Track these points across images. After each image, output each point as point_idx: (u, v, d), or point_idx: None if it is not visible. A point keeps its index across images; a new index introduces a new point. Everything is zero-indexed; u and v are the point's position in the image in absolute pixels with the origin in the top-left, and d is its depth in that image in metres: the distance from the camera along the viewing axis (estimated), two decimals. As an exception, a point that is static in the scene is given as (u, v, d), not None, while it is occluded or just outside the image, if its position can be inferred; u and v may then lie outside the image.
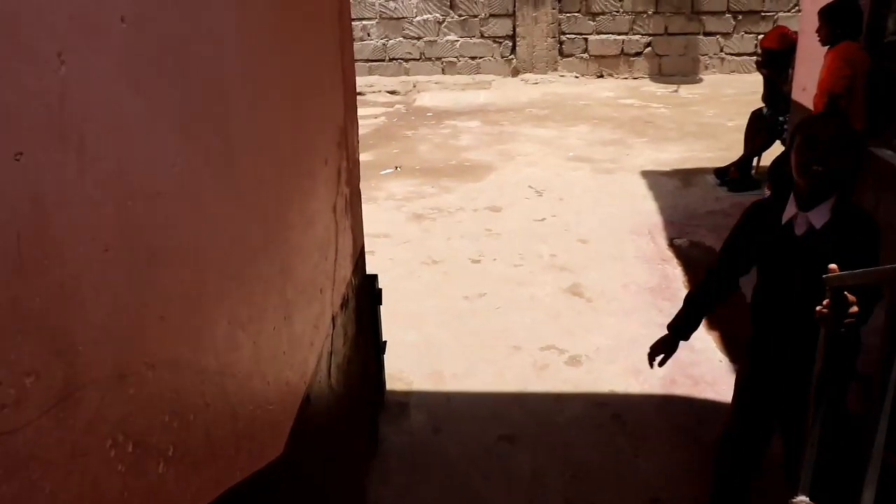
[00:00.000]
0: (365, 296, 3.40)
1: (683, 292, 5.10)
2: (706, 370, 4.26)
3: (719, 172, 7.07)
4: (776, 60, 6.59)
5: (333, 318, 2.68)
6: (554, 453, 3.62)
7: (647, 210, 6.55)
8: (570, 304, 5.01)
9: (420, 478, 3.47)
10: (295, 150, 2.21)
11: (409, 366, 4.33)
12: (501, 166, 7.80)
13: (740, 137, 7.98)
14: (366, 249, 5.93)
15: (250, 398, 1.76)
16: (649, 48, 11.37)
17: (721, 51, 11.32)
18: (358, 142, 3.17)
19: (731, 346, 4.48)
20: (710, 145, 8.30)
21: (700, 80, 11.25)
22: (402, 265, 5.61)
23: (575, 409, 3.94)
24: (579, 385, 4.14)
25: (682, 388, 4.11)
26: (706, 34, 11.25)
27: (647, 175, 7.39)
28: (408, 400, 4.03)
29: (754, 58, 10.27)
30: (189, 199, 1.39)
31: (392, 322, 4.67)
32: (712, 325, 4.72)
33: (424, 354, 4.44)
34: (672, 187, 7.07)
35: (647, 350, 3.16)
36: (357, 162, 3.15)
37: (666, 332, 3.12)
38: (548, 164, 7.82)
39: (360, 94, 10.81)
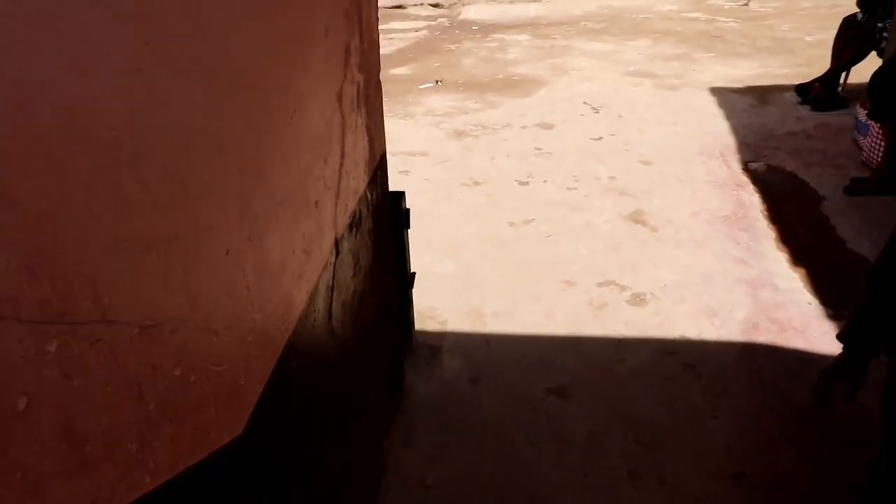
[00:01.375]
0: (386, 216, 2.77)
1: (762, 222, 4.41)
2: (793, 314, 3.58)
3: (801, 89, 6.23)
4: (877, -45, 5.69)
5: (337, 242, 2.05)
6: (614, 411, 3.00)
7: (717, 130, 5.78)
8: (632, 233, 4.32)
9: (452, 439, 2.87)
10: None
11: (443, 302, 3.71)
12: (553, 81, 7.03)
13: (822, 53, 7.10)
14: (400, 169, 5.34)
15: (175, 357, 1.15)
16: (718, -44, 10.35)
17: (799, -41, 10.24)
18: (377, 18, 2.49)
19: (822, 286, 3.78)
20: (788, 61, 7.41)
21: (773, -8, 10.23)
22: (439, 186, 4.95)
23: (639, 358, 3.29)
24: (644, 329, 3.48)
25: (767, 335, 3.43)
26: (782, -60, 10.17)
27: (717, 92, 6.58)
28: (440, 343, 3.42)
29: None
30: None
31: (425, 250, 4.06)
32: (798, 261, 4.01)
33: (461, 289, 3.82)
34: (746, 105, 6.25)
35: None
36: (376, 45, 2.48)
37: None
38: (604, 78, 7.03)
39: (400, 6, 10.07)
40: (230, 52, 1.32)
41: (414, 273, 3.26)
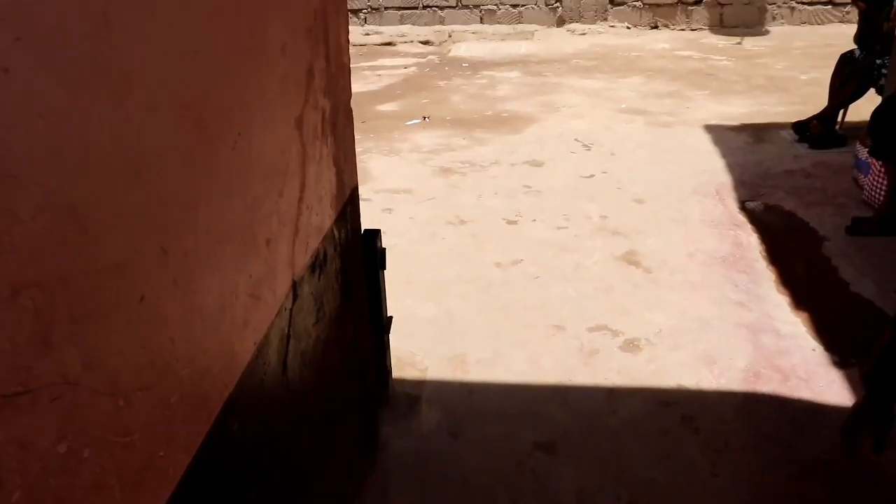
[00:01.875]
0: (359, 256, 2.55)
1: (761, 263, 4.20)
2: (797, 361, 3.36)
3: (798, 127, 6.07)
4: (875, -9, 5.56)
5: (295, 285, 1.83)
6: (605, 468, 2.76)
7: (712, 168, 5.60)
8: (625, 274, 4.11)
9: (430, 498, 2.63)
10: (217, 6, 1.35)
11: (423, 347, 3.48)
12: (544, 118, 6.87)
13: (817, 91, 6.97)
14: (384, 207, 5.13)
15: (59, 430, 0.92)
16: (710, -4, 10.30)
17: (791, -1, 10.20)
18: (348, 42, 2.30)
19: (826, 331, 3.57)
20: (782, 99, 7.28)
21: (766, 32, 10.14)
22: (423, 225, 4.75)
23: (633, 409, 3.06)
24: (638, 377, 3.25)
25: (769, 385, 3.21)
26: (774, -20, 10.14)
27: (712, 129, 6.42)
28: (419, 392, 3.18)
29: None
30: None
31: (406, 292, 3.84)
32: (800, 305, 3.81)
33: (444, 334, 3.59)
34: (741, 143, 6.09)
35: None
36: (345, 69, 2.28)
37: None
38: (596, 116, 6.87)
39: (390, 44, 9.97)
40: (147, 61, 1.11)
41: (391, 317, 3.04)
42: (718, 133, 6.31)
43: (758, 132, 6.32)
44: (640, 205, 4.98)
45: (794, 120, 6.25)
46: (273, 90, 1.66)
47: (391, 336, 3.18)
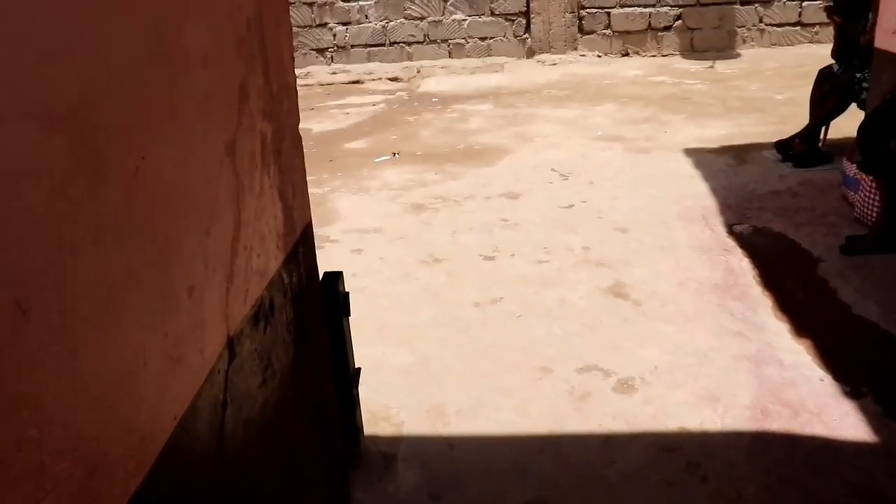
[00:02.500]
0: (317, 303, 2.25)
1: (755, 289, 3.95)
2: (805, 394, 3.08)
3: (781, 146, 5.87)
4: (851, 4, 5.39)
5: (231, 342, 1.53)
6: (606, 528, 2.45)
7: (696, 192, 5.37)
8: (613, 308, 3.83)
9: (408, 574, 2.31)
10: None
11: (398, 399, 3.17)
12: (518, 149, 6.63)
13: (795, 110, 6.82)
14: (353, 248, 4.83)
15: None
16: (679, 21, 10.17)
17: (760, 21, 10.09)
18: (292, 59, 2.02)
19: (832, 359, 3.31)
20: (760, 119, 7.10)
21: (738, 56, 10.03)
22: (395, 265, 4.45)
23: (632, 458, 2.76)
24: (635, 421, 2.96)
25: (779, 422, 2.93)
26: (743, 3, 10.02)
27: (691, 153, 6.20)
28: (395, 450, 2.86)
29: (820, 2, 9.04)
30: None
31: (377, 339, 3.55)
32: (801, 332, 3.55)
33: (420, 383, 3.28)
34: (723, 165, 5.87)
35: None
36: (291, 89, 2.00)
37: None
38: (572, 144, 6.65)
39: (357, 82, 9.77)
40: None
41: (359, 369, 2.73)
42: (699, 156, 6.09)
43: (739, 153, 6.11)
44: (624, 233, 4.72)
45: (774, 140, 6.06)
46: (191, 108, 1.37)
47: (361, 388, 2.87)
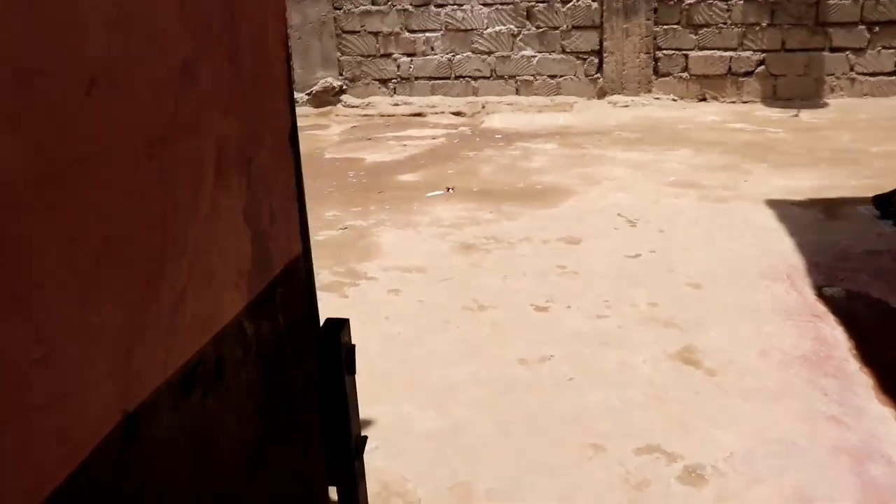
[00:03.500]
0: (300, 359, 1.78)
1: (852, 364, 3.37)
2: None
3: (881, 201, 5.23)
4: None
5: (131, 419, 1.06)
6: None
7: (780, 248, 4.77)
8: (682, 377, 3.27)
9: None
10: None
11: (418, 471, 2.66)
12: (582, 191, 6.11)
13: (892, 165, 6.19)
14: (390, 288, 4.37)
15: None
16: (762, 67, 9.54)
17: (851, 70, 9.40)
18: (286, 46, 1.56)
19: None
20: (854, 172, 6.44)
21: (825, 105, 9.35)
22: (434, 310, 3.96)
23: (700, 574, 2.20)
24: (705, 524, 2.40)
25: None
26: (833, 50, 9.36)
27: (775, 205, 5.60)
28: (406, 539, 2.36)
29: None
30: None
31: (404, 395, 3.07)
32: (887, 387, 2.95)
33: (447, 453, 2.77)
34: (811, 220, 5.26)
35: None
36: (278, 83, 1.54)
37: None
38: (642, 189, 6.10)
39: (419, 114, 9.41)
40: None
41: (365, 437, 2.23)
42: (784, 209, 5.48)
43: (830, 208, 5.49)
44: (697, 290, 4.15)
45: (870, 194, 5.42)
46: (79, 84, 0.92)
47: (377, 454, 2.39)
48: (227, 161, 1.32)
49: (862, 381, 3.24)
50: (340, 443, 2.06)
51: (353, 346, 2.05)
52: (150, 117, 1.09)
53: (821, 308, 3.93)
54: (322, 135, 8.83)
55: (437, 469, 2.67)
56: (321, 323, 2.00)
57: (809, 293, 4.12)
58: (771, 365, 3.34)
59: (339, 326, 1.99)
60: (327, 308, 4.07)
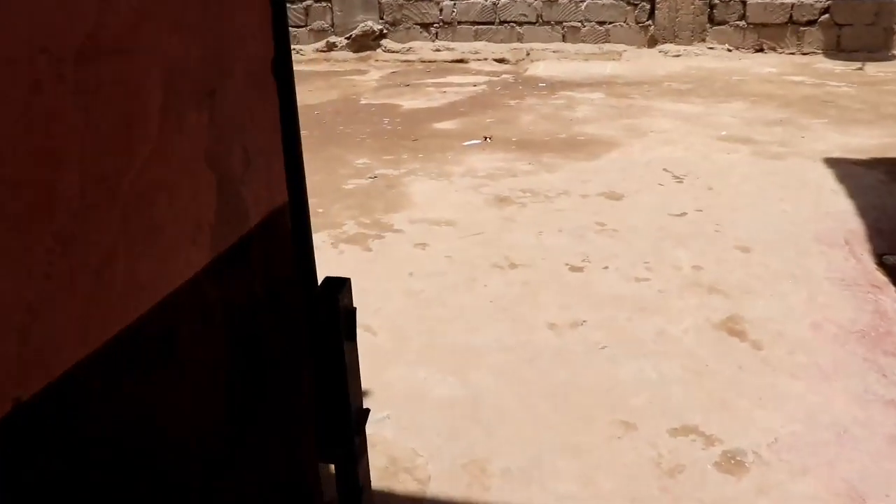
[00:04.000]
0: (284, 326, 1.56)
1: (914, 342, 3.04)
2: None
3: (950, 163, 4.86)
4: None
5: (22, 409, 0.84)
6: None
7: (838, 210, 4.43)
8: (726, 350, 3.00)
9: None
10: None
11: (430, 444, 2.45)
12: (627, 143, 5.79)
13: (965, 123, 5.75)
14: (416, 241, 4.12)
15: None
16: (826, 15, 9.01)
17: (924, 21, 8.85)
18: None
19: None
20: (921, 131, 6.03)
21: (893, 57, 8.82)
22: (462, 267, 3.73)
23: (736, 577, 1.97)
24: (744, 519, 2.16)
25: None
26: (904, -1, 8.82)
27: (834, 164, 5.23)
28: (412, 520, 2.16)
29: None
30: None
31: (421, 359, 2.86)
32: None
33: (463, 425, 2.56)
34: (874, 181, 4.89)
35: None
36: (253, 4, 1.30)
37: None
38: (691, 143, 5.76)
39: (461, 61, 9.12)
40: None
41: (367, 410, 2.02)
42: (844, 168, 5.12)
43: (895, 169, 5.11)
44: (746, 254, 3.85)
45: (940, 156, 5.03)
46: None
47: (387, 425, 2.19)
48: (179, 91, 1.08)
49: (925, 361, 2.94)
50: (338, 416, 1.85)
51: (354, 308, 1.82)
52: (55, 27, 0.85)
53: (881, 278, 3.61)
54: (360, 80, 8.57)
55: (451, 443, 2.46)
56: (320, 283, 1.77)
57: (869, 261, 3.79)
58: (824, 340, 3.06)
59: (338, 287, 1.75)
60: (348, 262, 3.87)
